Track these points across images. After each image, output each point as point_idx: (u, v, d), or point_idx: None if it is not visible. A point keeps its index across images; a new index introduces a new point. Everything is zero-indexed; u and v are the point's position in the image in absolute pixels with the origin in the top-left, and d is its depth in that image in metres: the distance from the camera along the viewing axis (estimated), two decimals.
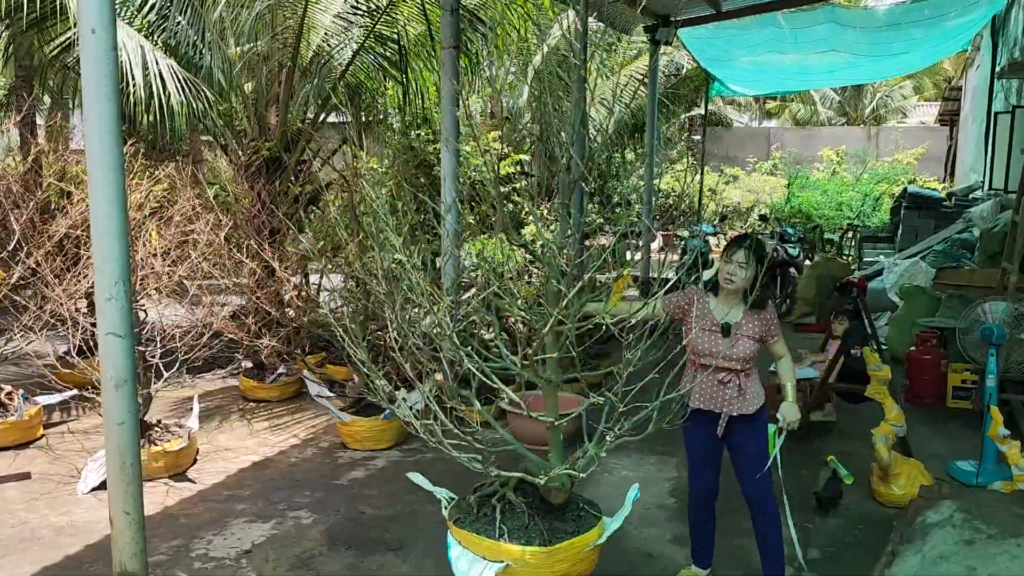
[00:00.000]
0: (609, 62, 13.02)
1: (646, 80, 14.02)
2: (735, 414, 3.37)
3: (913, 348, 6.44)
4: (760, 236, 12.64)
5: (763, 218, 12.48)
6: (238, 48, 7.48)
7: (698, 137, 19.80)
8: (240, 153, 7.25)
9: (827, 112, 28.51)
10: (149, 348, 5.18)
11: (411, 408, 5.86)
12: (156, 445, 4.86)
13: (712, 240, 11.98)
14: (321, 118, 7.72)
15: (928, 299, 7.75)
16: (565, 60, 12.37)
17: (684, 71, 15.60)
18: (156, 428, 5.09)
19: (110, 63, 2.68)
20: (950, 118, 17.91)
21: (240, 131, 7.86)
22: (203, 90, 6.80)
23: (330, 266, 7.68)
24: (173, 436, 5.01)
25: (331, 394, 6.54)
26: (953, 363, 6.74)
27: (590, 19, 9.41)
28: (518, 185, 11.06)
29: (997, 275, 7.57)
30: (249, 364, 6.78)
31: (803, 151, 22.54)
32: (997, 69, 10.35)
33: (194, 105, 6.64)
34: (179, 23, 7.02)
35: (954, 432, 5.84)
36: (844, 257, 12.21)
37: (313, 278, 8.11)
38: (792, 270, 9.87)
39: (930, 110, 31.61)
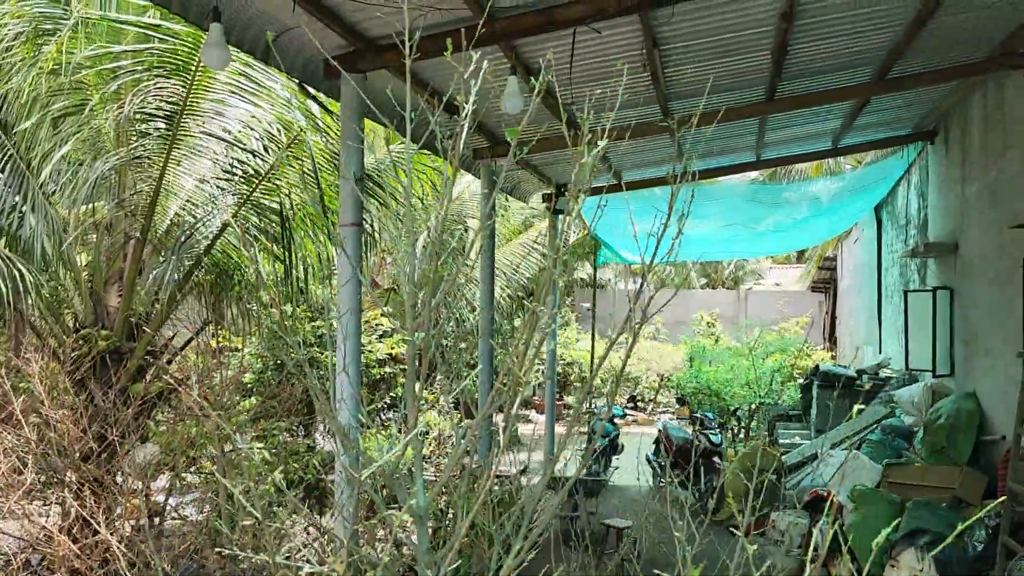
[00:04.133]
0: (502, 230, 12.29)
1: (535, 247, 13.39)
2: None
3: None
4: (675, 420, 11.72)
5: (680, 401, 11.67)
6: (71, 213, 6.01)
7: (587, 305, 19.32)
8: (65, 344, 5.63)
9: (693, 273, 29.24)
10: None
11: None
12: None
13: (620, 422, 10.97)
14: (178, 300, 6.24)
15: (886, 504, 6.89)
16: (458, 227, 11.51)
17: (572, 239, 15.16)
18: None
19: None
20: (824, 286, 18.32)
21: (70, 315, 6.25)
22: (19, 268, 5.25)
23: (180, 487, 6.02)
24: None
25: None
26: None
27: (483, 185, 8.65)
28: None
29: (956, 474, 6.91)
30: None
31: (679, 314, 22.55)
32: (905, 248, 10.25)
33: (3, 288, 5.08)
34: None
35: None
36: (753, 434, 11.48)
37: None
38: (717, 460, 8.92)
39: (786, 272, 33.21)
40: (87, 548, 4.67)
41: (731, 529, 8.09)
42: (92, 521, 4.28)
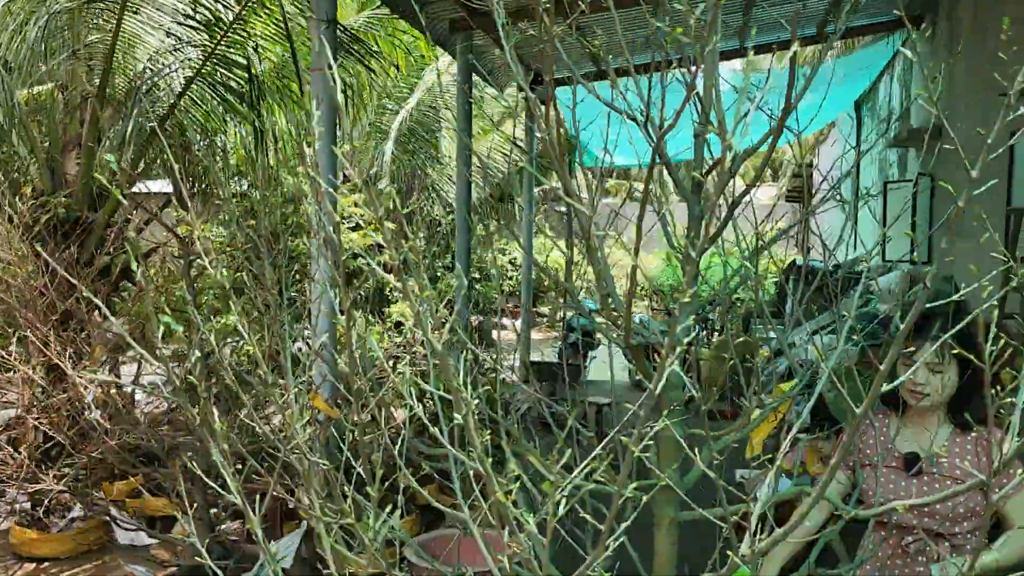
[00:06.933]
0: (479, 122, 11.94)
1: (511, 143, 13.06)
2: None
3: None
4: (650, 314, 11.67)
5: (657, 293, 11.65)
6: (21, 73, 5.62)
7: (562, 208, 19.12)
8: (21, 210, 5.34)
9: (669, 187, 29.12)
10: None
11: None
12: None
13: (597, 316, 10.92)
14: (141, 167, 5.92)
15: (864, 381, 6.96)
16: (433, 115, 11.17)
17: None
18: None
19: None
20: (799, 194, 18.28)
21: (27, 183, 5.93)
22: None
23: (149, 357, 5.83)
24: None
25: (153, 540, 4.70)
26: None
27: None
28: (383, 257, 9.55)
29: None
30: (26, 503, 4.77)
31: (654, 225, 22.48)
32: (886, 137, 10.14)
33: None
34: None
35: None
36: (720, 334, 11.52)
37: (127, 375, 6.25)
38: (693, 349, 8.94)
39: (761, 190, 33.28)
40: (58, 408, 4.50)
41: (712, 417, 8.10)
42: (64, 367, 4.10)
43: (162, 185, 6.47)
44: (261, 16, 5.61)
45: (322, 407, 3.47)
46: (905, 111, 9.45)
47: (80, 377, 4.08)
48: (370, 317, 9.03)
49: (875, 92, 11.33)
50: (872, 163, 11.35)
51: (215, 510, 4.40)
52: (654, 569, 1.82)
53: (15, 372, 4.35)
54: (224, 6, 5.29)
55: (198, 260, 4.78)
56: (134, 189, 6.19)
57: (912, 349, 2.22)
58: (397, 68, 7.28)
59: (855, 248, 10.00)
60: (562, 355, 10.53)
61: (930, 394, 2.19)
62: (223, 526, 4.28)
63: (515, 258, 16.77)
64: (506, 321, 16.17)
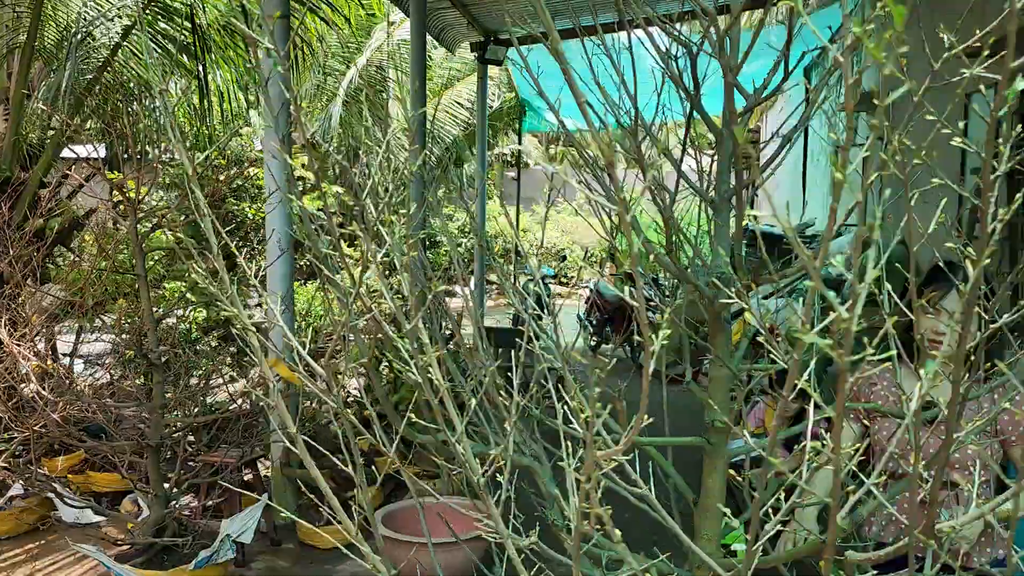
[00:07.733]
0: (431, 84, 11.63)
1: (461, 106, 12.80)
2: None
3: None
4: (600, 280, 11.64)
5: (612, 257, 11.61)
6: None
7: (511, 175, 18.94)
8: None
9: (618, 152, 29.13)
10: None
11: (234, 540, 3.98)
12: None
13: (553, 284, 10.84)
14: (76, 122, 5.54)
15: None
16: (381, 77, 10.84)
17: (496, 105, 14.56)
18: None
19: None
20: (746, 161, 18.45)
21: None
22: None
23: (89, 326, 5.56)
24: None
25: (101, 517, 4.46)
26: None
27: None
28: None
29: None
30: None
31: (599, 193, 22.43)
32: (836, 101, 10.19)
33: None
34: None
35: None
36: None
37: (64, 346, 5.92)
38: (650, 314, 8.93)
39: (706, 156, 33.60)
40: None
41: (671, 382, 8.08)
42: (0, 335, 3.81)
43: (90, 150, 6.09)
44: None
45: (285, 373, 3.28)
46: (858, 73, 9.49)
47: (17, 346, 3.80)
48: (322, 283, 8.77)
49: (824, 58, 11.36)
50: (821, 127, 11.42)
51: (168, 484, 4.18)
52: (707, 501, 1.83)
53: None
54: None
55: (143, 222, 4.49)
56: (69, 150, 5.81)
57: (935, 297, 2.25)
58: (348, 21, 6.96)
59: (803, 214, 10.01)
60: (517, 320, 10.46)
61: (950, 344, 2.19)
62: (177, 502, 4.07)
63: (464, 224, 16.57)
64: (457, 288, 16.00)
